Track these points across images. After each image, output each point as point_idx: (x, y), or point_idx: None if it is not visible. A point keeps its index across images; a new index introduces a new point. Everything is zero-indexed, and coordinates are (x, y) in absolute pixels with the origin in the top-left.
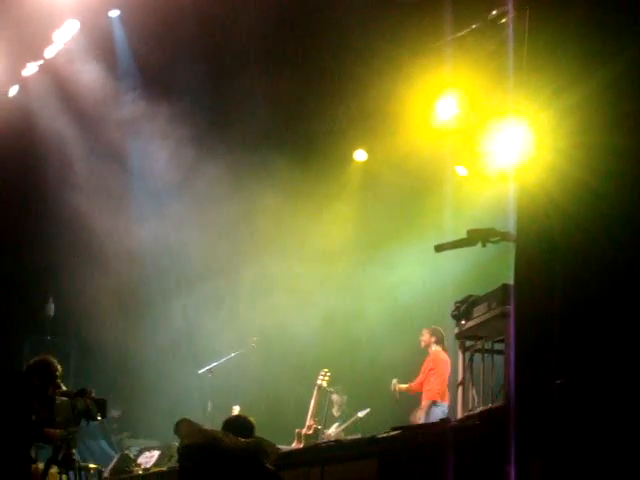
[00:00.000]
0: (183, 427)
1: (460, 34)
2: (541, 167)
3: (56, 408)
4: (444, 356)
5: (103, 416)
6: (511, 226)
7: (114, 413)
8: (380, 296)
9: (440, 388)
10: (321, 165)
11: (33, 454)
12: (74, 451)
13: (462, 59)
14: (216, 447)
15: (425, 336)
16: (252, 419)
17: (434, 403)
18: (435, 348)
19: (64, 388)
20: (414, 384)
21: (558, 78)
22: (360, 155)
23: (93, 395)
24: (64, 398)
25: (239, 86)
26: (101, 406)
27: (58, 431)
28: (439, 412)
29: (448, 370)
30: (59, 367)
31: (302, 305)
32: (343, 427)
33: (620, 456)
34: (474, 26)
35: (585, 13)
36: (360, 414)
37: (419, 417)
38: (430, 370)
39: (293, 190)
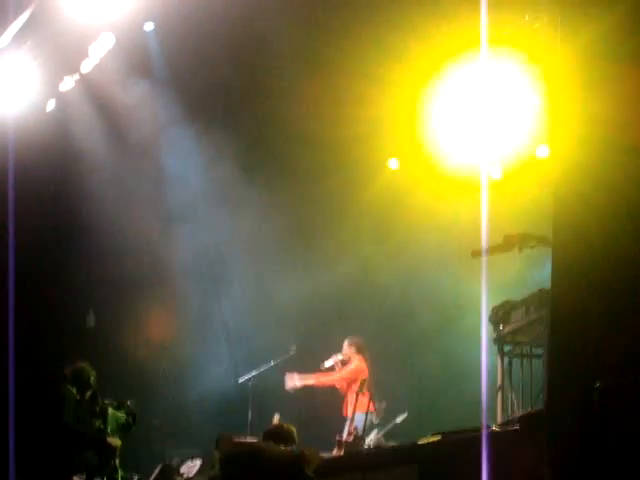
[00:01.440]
0: (223, 442)
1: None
2: (579, 173)
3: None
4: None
5: (134, 427)
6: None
7: (154, 422)
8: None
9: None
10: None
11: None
12: (117, 462)
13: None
14: (257, 456)
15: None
16: (292, 427)
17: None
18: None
19: (99, 398)
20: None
21: (590, 75)
22: (393, 163)
23: (129, 405)
24: (111, 410)
25: (274, 91)
26: (134, 418)
27: (118, 441)
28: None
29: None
30: (94, 374)
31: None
32: (382, 433)
33: None
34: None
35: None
36: (398, 420)
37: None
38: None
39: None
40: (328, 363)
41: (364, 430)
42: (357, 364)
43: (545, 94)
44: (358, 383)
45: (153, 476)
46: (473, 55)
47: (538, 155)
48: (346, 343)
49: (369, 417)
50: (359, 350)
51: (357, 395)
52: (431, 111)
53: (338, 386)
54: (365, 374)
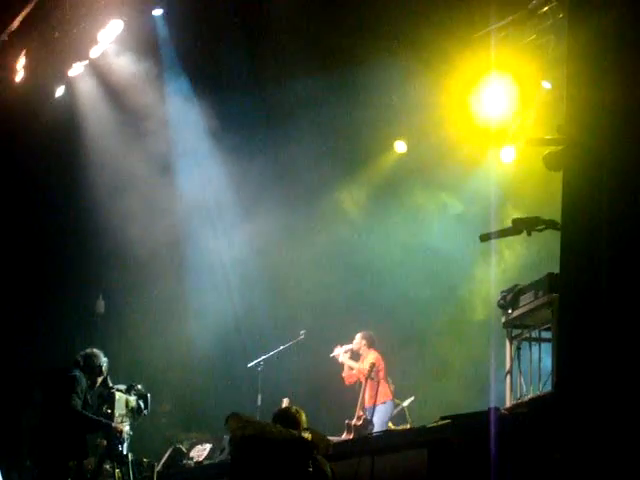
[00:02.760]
0: (233, 421)
1: (502, 23)
2: (587, 157)
3: (116, 404)
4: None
5: (146, 410)
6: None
7: (164, 407)
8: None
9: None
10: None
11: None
12: (126, 446)
13: (504, 49)
14: (266, 438)
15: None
16: (301, 411)
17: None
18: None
19: (110, 383)
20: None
21: (601, 61)
22: (400, 146)
23: (139, 389)
24: (120, 394)
25: (283, 78)
26: (145, 401)
27: (125, 426)
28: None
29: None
30: (105, 360)
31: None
32: (391, 417)
33: None
34: (513, 17)
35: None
36: (405, 403)
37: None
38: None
39: None
40: (337, 351)
41: (390, 418)
42: (375, 355)
43: (555, 79)
44: (379, 374)
45: (163, 460)
46: (481, 40)
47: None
48: (358, 336)
49: (392, 405)
50: (371, 344)
51: (378, 384)
52: (441, 96)
53: (360, 379)
54: (381, 365)
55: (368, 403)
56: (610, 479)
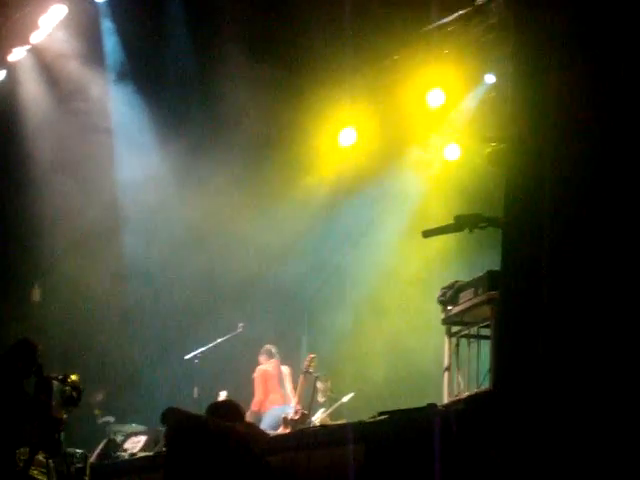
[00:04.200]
0: (170, 416)
1: (447, 20)
2: (529, 154)
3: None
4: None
5: (78, 401)
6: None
7: (97, 397)
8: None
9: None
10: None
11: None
12: (62, 435)
13: (449, 45)
14: (203, 431)
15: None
16: (239, 404)
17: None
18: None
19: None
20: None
21: (544, 62)
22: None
23: (74, 379)
24: (56, 383)
25: (225, 70)
26: (78, 393)
27: (63, 415)
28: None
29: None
30: (39, 348)
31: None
32: (328, 412)
33: (600, 437)
34: (460, 12)
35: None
36: (344, 399)
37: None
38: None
39: None
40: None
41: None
42: (260, 369)
43: (498, 76)
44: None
45: (97, 451)
46: (427, 36)
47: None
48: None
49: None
50: (270, 356)
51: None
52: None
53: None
54: (266, 376)
55: (254, 407)
56: (544, 476)
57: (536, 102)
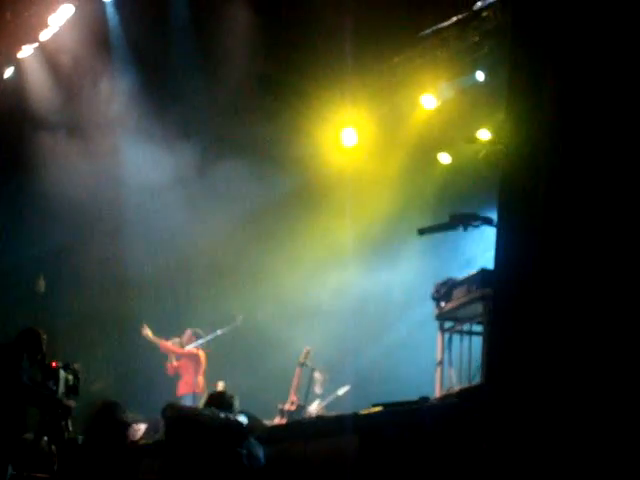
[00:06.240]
0: (169, 410)
1: (444, 25)
2: (523, 156)
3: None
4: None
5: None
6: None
7: (96, 386)
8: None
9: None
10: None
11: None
12: (69, 422)
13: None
14: (200, 421)
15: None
16: (235, 395)
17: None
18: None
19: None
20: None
21: (540, 68)
22: (349, 138)
23: (75, 368)
24: (62, 371)
25: (231, 70)
26: (78, 381)
27: (72, 402)
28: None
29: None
30: (45, 337)
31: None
32: (324, 404)
33: (589, 432)
34: (458, 17)
35: (569, 5)
36: (340, 392)
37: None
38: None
39: None
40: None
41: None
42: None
43: (490, 79)
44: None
45: None
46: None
47: (481, 138)
48: (188, 332)
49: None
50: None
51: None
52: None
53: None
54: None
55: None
56: (536, 469)
57: (531, 107)
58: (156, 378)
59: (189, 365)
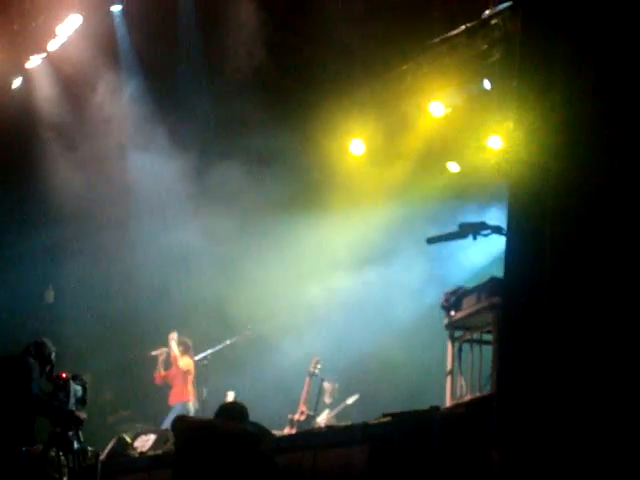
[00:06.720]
0: (179, 424)
1: (452, 33)
2: (532, 164)
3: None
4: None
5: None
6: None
7: (106, 396)
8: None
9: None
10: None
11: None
12: (80, 434)
13: (454, 58)
14: (210, 432)
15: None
16: (244, 405)
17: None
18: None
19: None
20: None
21: (548, 76)
22: (357, 147)
23: (83, 380)
24: (72, 382)
25: (239, 78)
26: (86, 391)
27: (84, 414)
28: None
29: None
30: (54, 349)
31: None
32: (334, 414)
33: (599, 440)
34: (467, 25)
35: (577, 14)
36: (349, 400)
37: None
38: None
39: None
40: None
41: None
42: (188, 361)
43: (500, 87)
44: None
45: (107, 449)
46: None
47: (491, 146)
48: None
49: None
50: (185, 350)
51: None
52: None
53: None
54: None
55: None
56: (545, 479)
57: (540, 115)
58: (166, 390)
59: (177, 374)
